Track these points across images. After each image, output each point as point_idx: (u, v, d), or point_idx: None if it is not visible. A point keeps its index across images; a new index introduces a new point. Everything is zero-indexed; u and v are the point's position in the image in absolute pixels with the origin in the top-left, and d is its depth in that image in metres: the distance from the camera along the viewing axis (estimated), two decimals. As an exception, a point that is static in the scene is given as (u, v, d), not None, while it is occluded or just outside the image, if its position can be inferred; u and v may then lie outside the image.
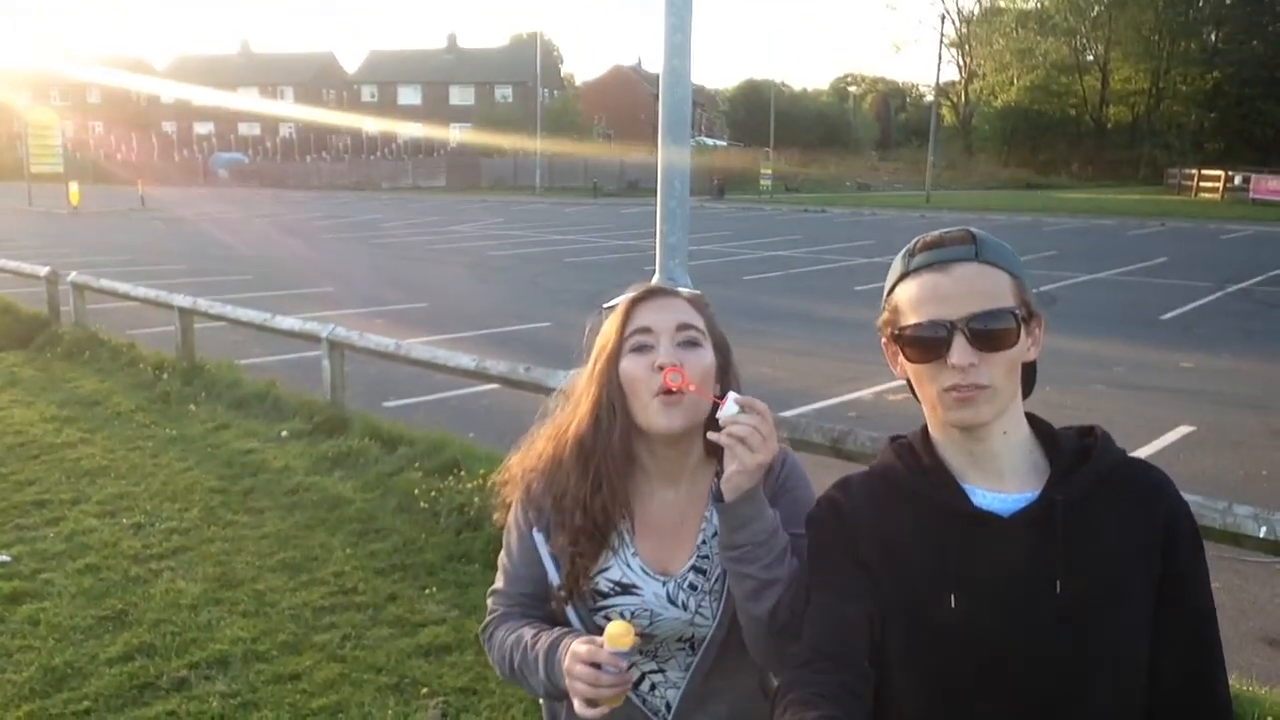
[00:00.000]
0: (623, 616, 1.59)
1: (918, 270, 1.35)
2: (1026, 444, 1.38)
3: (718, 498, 1.44)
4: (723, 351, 1.60)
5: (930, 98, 67.04)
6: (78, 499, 5.70)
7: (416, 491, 5.55)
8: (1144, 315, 13.81)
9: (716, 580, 1.57)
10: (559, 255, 21.68)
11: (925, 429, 1.43)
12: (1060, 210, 38.36)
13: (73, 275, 10.41)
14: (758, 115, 71.65)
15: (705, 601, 1.58)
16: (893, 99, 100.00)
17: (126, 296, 9.84)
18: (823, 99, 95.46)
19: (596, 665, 1.40)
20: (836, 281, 17.55)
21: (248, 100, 71.07)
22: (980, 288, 1.30)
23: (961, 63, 78.03)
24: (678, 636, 1.61)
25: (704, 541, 1.59)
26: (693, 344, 1.53)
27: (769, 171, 50.92)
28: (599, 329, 1.61)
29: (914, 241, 1.39)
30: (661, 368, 1.49)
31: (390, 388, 8.54)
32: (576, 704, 1.42)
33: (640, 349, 1.52)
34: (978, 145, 73.15)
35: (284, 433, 6.89)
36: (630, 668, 1.44)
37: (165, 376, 8.49)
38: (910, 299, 1.34)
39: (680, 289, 1.62)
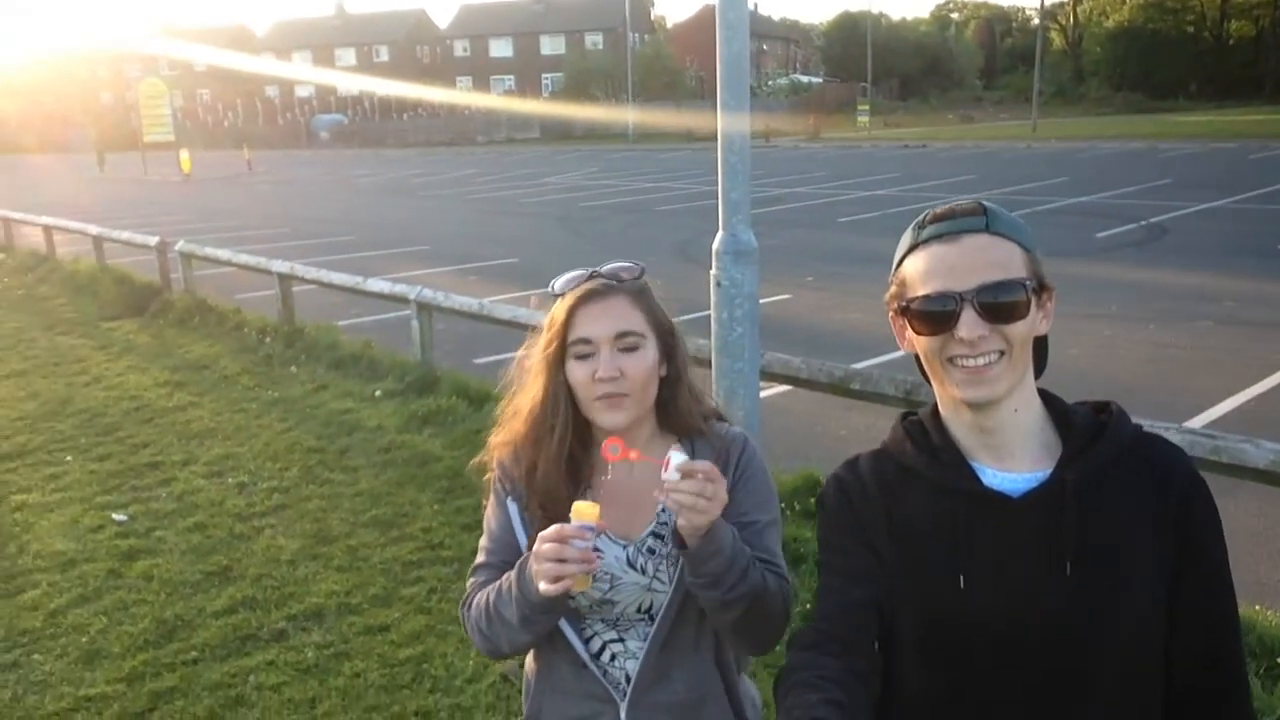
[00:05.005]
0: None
1: (927, 242, 1.32)
2: (1038, 422, 1.34)
3: (679, 544, 1.49)
4: (666, 337, 1.65)
5: (1037, 21, 64.24)
6: (188, 460, 6.04)
7: (501, 448, 5.68)
8: (1261, 246, 13.09)
9: (673, 546, 1.61)
10: (650, 204, 21.63)
11: (935, 407, 1.40)
12: (1176, 135, 36.46)
13: (180, 244, 10.86)
14: (854, 49, 69.78)
15: (663, 566, 1.64)
16: (997, 24, 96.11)
17: (229, 263, 10.25)
18: (922, 29, 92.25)
19: (564, 543, 1.45)
20: (933, 220, 17.07)
21: (340, 71, 72.47)
22: (990, 259, 1.27)
23: (1070, -18, 74.52)
24: (637, 605, 1.66)
25: (664, 509, 1.62)
26: (632, 349, 1.60)
27: (866, 107, 49.74)
28: (546, 307, 1.67)
29: (924, 214, 1.37)
30: (602, 380, 1.57)
31: (481, 344, 8.71)
32: (541, 585, 1.47)
33: (582, 357, 1.60)
34: (1088, 69, 69.94)
35: (377, 392, 7.14)
36: (596, 550, 1.49)
37: (268, 340, 8.85)
38: (918, 271, 1.31)
39: (621, 280, 1.63)
